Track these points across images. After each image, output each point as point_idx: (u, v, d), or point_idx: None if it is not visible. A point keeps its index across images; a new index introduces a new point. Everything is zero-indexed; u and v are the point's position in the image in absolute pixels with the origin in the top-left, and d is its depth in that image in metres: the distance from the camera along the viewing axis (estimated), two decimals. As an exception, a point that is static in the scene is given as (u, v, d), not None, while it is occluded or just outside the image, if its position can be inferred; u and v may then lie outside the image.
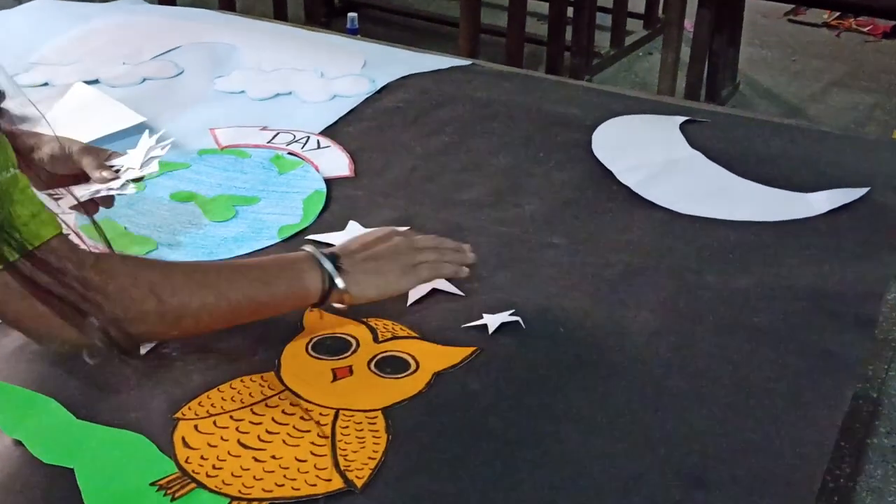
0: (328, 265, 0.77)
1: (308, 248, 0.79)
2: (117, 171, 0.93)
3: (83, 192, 0.91)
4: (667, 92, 2.63)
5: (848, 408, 0.71)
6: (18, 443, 0.68)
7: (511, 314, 0.82)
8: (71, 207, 0.89)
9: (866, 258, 0.89)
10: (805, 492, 0.63)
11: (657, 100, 1.32)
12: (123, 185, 0.92)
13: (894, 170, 1.06)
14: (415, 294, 0.85)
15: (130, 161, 0.94)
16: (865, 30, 3.31)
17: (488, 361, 0.78)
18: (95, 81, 1.29)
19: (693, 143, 1.12)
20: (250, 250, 0.93)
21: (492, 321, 0.81)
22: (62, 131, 1.12)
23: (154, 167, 0.93)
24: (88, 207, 0.90)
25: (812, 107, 2.95)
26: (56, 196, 0.91)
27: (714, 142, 1.13)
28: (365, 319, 0.82)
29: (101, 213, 0.97)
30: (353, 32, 2.12)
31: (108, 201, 0.92)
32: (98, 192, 0.91)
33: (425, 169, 1.09)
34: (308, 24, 2.99)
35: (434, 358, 0.78)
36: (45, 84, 1.28)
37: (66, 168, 0.93)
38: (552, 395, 0.74)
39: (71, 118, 1.16)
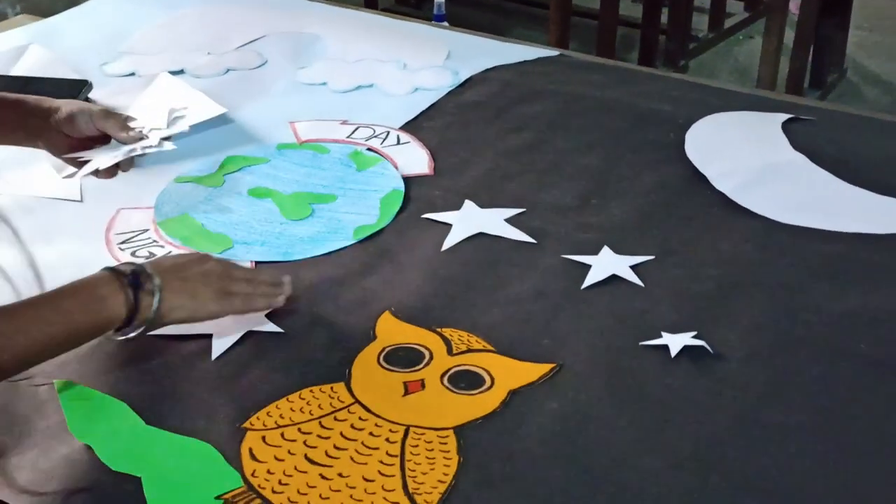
0: (130, 292, 0.70)
1: (111, 267, 0.73)
2: (140, 131, 0.94)
3: (115, 153, 0.92)
4: (768, 79, 2.51)
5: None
6: (88, 447, 0.67)
7: (694, 336, 0.77)
8: (92, 173, 0.91)
9: None
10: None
11: (758, 94, 1.25)
12: (159, 143, 0.94)
13: None
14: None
15: (154, 121, 0.94)
16: (984, 13, 3.11)
17: (567, 379, 0.74)
18: (181, 72, 1.29)
19: (796, 145, 1.05)
20: (326, 251, 0.91)
21: (673, 343, 0.77)
22: (146, 121, 1.13)
23: (183, 126, 0.93)
24: (111, 171, 0.92)
25: (926, 97, 2.78)
26: (81, 159, 0.93)
27: (820, 143, 1.06)
28: (439, 329, 0.80)
29: (180, 209, 0.97)
30: (440, 18, 2.08)
31: (128, 164, 0.93)
32: (133, 150, 0.92)
33: (507, 168, 1.05)
34: (399, 7, 2.97)
35: (510, 374, 0.74)
36: (132, 74, 1.29)
37: (88, 130, 0.93)
38: (633, 422, 0.70)
39: (156, 108, 1.16)
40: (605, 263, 0.88)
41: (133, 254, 0.90)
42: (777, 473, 0.65)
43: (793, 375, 0.74)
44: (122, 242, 0.92)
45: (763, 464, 0.66)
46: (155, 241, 0.92)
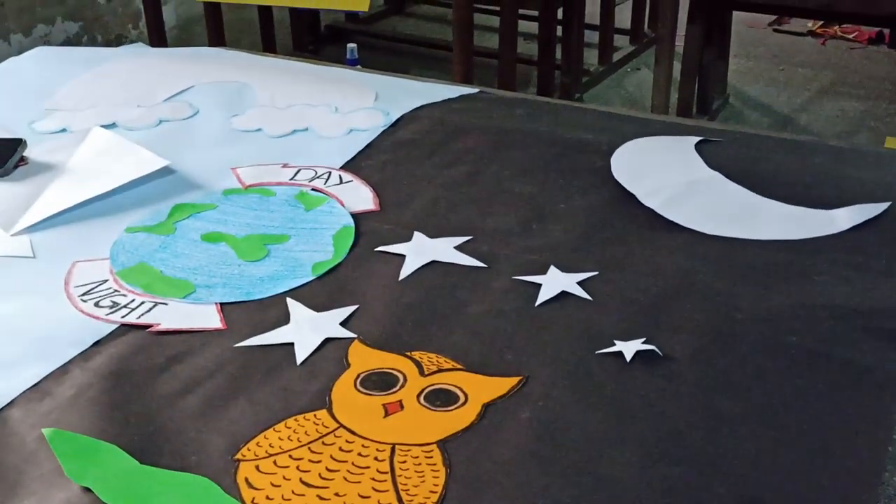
0: None
1: None
2: None
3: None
4: (661, 107, 2.67)
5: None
6: (87, 490, 0.69)
7: (644, 342, 0.83)
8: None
9: (895, 273, 0.91)
10: (863, 506, 0.65)
11: (666, 120, 1.35)
12: None
13: (908, 182, 1.09)
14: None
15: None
16: (851, 37, 3.37)
17: (535, 389, 0.80)
18: (113, 125, 1.30)
19: (709, 163, 1.15)
20: (287, 288, 0.94)
21: (627, 349, 0.83)
22: (85, 178, 1.15)
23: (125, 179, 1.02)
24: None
25: (802, 116, 2.99)
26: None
27: (731, 161, 1.16)
28: (408, 353, 0.84)
29: (136, 257, 0.99)
30: (353, 63, 2.15)
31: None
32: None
33: (449, 199, 1.11)
34: (296, 53, 3.02)
35: (482, 389, 0.79)
36: (63, 130, 1.29)
37: None
38: (601, 421, 0.76)
39: (93, 164, 1.18)
40: (554, 281, 0.94)
41: (97, 304, 0.91)
42: (733, 456, 0.72)
43: (735, 369, 0.81)
44: (84, 294, 0.93)
45: (720, 449, 0.73)
46: (116, 290, 0.94)
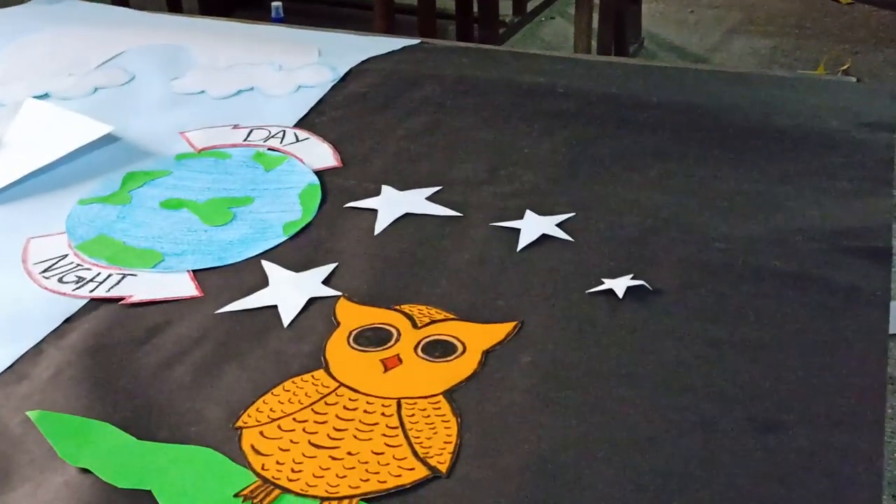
0: None
1: None
2: None
3: None
4: (583, 52, 2.68)
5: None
6: (86, 471, 0.65)
7: (632, 278, 0.83)
8: None
9: (865, 193, 0.93)
10: (874, 421, 0.67)
11: (613, 61, 1.34)
12: None
13: (859, 107, 1.12)
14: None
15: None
16: (759, -23, 3.43)
17: (532, 333, 0.79)
18: (46, 95, 1.23)
19: (660, 101, 1.15)
20: (261, 251, 0.91)
21: (617, 286, 0.82)
22: (26, 151, 1.08)
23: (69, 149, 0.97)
24: None
25: (716, 55, 3.05)
26: None
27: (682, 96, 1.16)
28: (398, 307, 0.82)
29: (94, 229, 0.94)
30: (278, 21, 2.08)
31: None
32: None
33: (412, 151, 1.08)
34: (206, 16, 2.92)
35: (478, 337, 0.78)
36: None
37: None
38: (601, 358, 0.76)
39: (32, 136, 1.11)
40: (532, 225, 0.93)
41: (60, 280, 0.87)
42: (742, 381, 0.73)
43: (726, 298, 0.82)
44: (45, 271, 0.88)
45: (727, 375, 0.73)
46: (79, 264, 0.89)
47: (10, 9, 1.53)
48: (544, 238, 0.91)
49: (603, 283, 0.84)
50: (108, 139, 1.10)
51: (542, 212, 0.95)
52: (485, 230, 0.93)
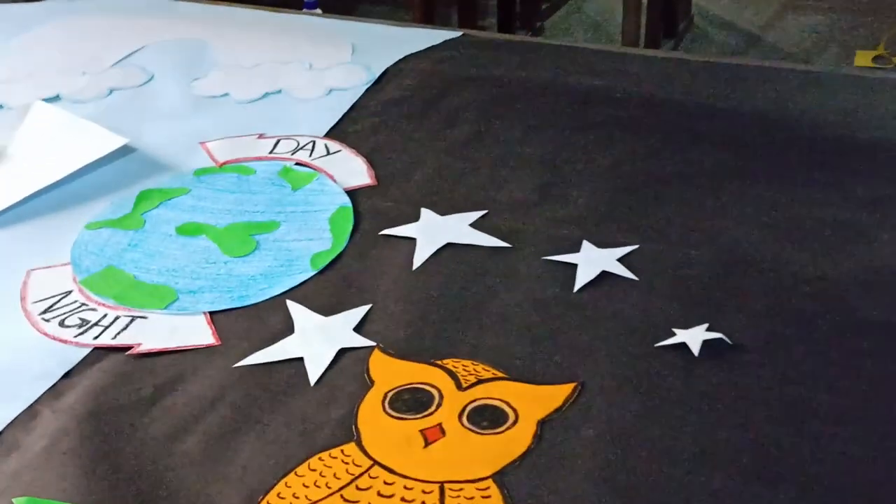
0: None
1: None
2: None
3: None
4: (632, 33, 2.54)
5: None
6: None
7: (708, 328, 0.72)
8: None
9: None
10: None
11: (676, 57, 1.22)
12: None
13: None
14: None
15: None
16: (816, -50, 3.25)
17: (593, 398, 0.68)
18: (56, 98, 1.14)
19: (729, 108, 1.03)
20: (284, 289, 0.81)
21: (691, 339, 0.71)
22: (32, 165, 1.00)
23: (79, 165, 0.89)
24: None
25: (770, 33, 2.88)
26: None
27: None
28: (439, 362, 0.72)
29: (102, 260, 0.85)
30: (311, 6, 1.98)
31: None
32: None
33: (454, 167, 0.97)
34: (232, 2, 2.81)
35: (532, 401, 0.68)
36: (0, 107, 1.13)
37: None
38: (678, 434, 0.65)
39: (40, 147, 1.02)
40: (591, 260, 0.82)
41: (62, 324, 0.78)
42: (841, 470, 0.62)
43: (817, 355, 0.71)
44: (45, 312, 0.79)
45: (825, 460, 0.62)
46: (84, 304, 0.80)
47: (22, 3, 1.43)
48: (604, 276, 0.80)
49: (674, 334, 0.73)
50: (122, 150, 1.01)
51: (600, 242, 0.84)
52: (536, 265, 0.82)
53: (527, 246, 0.85)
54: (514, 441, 0.65)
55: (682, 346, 0.72)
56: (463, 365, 0.72)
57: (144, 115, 1.10)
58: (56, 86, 1.16)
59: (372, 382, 0.70)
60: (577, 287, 0.79)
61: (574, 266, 0.81)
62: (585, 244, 0.84)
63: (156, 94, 1.15)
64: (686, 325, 0.74)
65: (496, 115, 1.06)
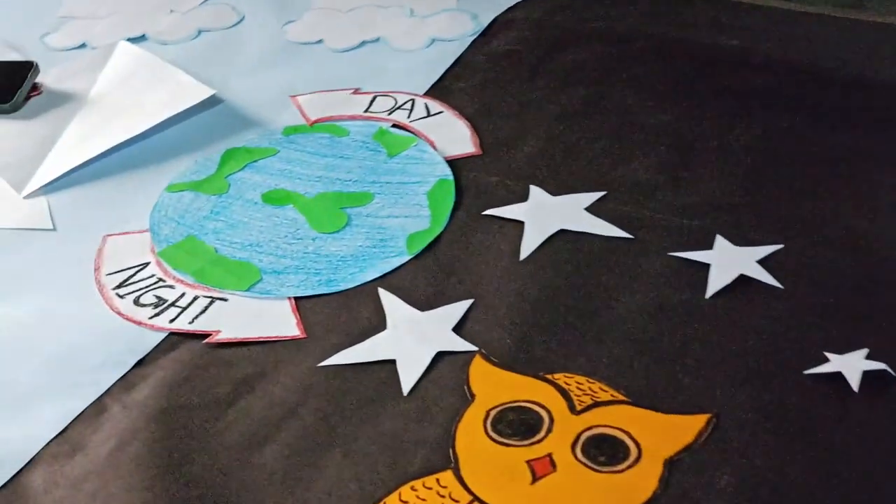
0: None
1: None
2: None
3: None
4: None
5: None
6: None
7: (868, 355, 0.61)
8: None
9: None
10: None
11: (824, 13, 1.07)
12: None
13: None
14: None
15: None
16: None
17: (731, 434, 0.59)
18: (142, 38, 1.06)
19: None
20: (378, 274, 0.73)
21: (848, 369, 0.61)
22: (113, 114, 0.93)
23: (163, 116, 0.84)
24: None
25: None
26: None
27: None
28: (550, 376, 0.63)
29: (182, 229, 0.78)
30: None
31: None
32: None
33: (568, 138, 0.87)
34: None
35: (658, 434, 0.59)
36: (83, 46, 1.06)
37: None
38: (833, 489, 0.55)
39: (122, 94, 0.95)
40: (727, 260, 0.71)
41: (136, 301, 0.71)
42: None
43: None
44: (120, 286, 0.73)
45: None
46: (161, 279, 0.73)
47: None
48: (742, 280, 0.70)
49: (827, 359, 0.62)
50: (207, 101, 0.93)
51: (737, 238, 0.73)
52: (661, 262, 0.72)
53: (651, 238, 0.74)
54: (637, 483, 0.56)
55: (838, 376, 0.61)
56: (577, 382, 0.63)
57: (232, 61, 1.02)
58: (142, 24, 1.09)
59: (472, 396, 0.62)
60: (709, 292, 0.69)
61: (706, 266, 0.71)
62: (719, 240, 0.73)
63: (245, 37, 1.07)
64: (840, 349, 0.63)
65: (615, 77, 0.94)
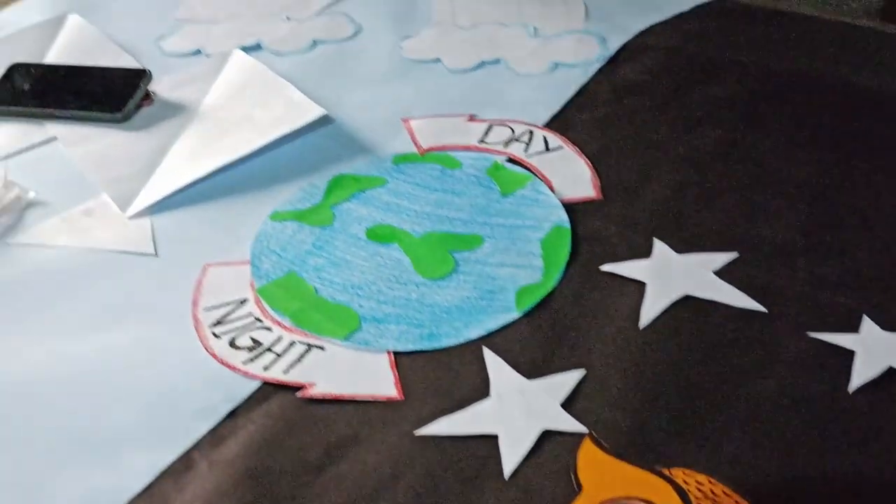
0: None
1: None
2: None
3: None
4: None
5: None
6: None
7: None
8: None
9: None
10: None
11: None
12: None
13: None
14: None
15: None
16: None
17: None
18: (256, 47, 1.04)
19: None
20: (484, 332, 0.68)
21: None
22: (223, 130, 0.91)
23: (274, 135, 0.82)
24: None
25: None
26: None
27: None
28: (665, 471, 0.57)
29: (284, 264, 0.75)
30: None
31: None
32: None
33: (698, 185, 0.80)
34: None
35: (787, 556, 0.53)
36: (198, 52, 1.04)
37: None
38: None
39: (233, 108, 0.93)
40: (875, 348, 0.64)
41: (233, 343, 0.68)
42: None
43: None
44: (216, 324, 0.70)
45: None
46: (258, 319, 0.70)
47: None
48: (890, 373, 0.62)
49: None
50: (317, 120, 0.90)
51: (888, 322, 0.66)
52: (800, 342, 0.65)
53: (788, 313, 0.67)
54: None
55: None
56: (697, 481, 0.57)
57: (346, 77, 0.99)
58: (257, 32, 1.06)
59: (579, 487, 0.57)
60: (853, 385, 0.62)
61: (850, 354, 0.64)
62: (866, 322, 0.66)
63: (361, 52, 1.03)
64: None
65: (755, 118, 0.87)
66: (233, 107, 0.93)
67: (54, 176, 0.87)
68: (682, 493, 0.56)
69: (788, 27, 1.00)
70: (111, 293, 0.74)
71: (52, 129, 0.92)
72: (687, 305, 0.68)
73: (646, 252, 0.74)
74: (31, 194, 0.84)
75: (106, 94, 0.93)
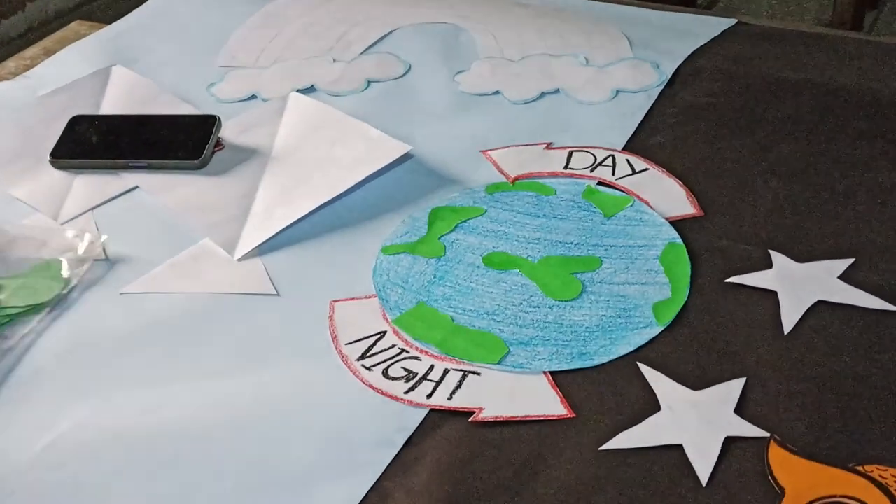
0: None
1: None
2: None
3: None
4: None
5: None
6: None
7: None
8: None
9: None
10: None
11: None
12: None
13: None
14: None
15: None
16: None
17: None
18: (311, 89, 1.04)
19: None
20: (632, 348, 0.69)
21: None
22: (313, 169, 0.90)
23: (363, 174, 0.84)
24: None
25: None
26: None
27: None
28: (860, 468, 0.59)
29: (410, 296, 0.75)
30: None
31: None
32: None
33: (793, 197, 0.83)
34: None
35: None
36: (253, 97, 1.04)
37: None
38: None
39: (313, 147, 0.92)
40: None
41: (385, 373, 0.68)
42: None
43: None
44: (363, 357, 0.69)
45: None
46: (403, 349, 0.70)
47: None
48: None
49: None
50: (400, 157, 0.90)
51: None
52: (938, 336, 0.68)
53: (917, 309, 0.71)
54: None
55: None
56: (893, 475, 0.58)
57: (409, 113, 0.99)
58: (308, 74, 1.06)
59: (781, 490, 0.58)
60: None
61: None
62: None
63: (418, 88, 1.04)
64: None
65: (826, 132, 0.90)
66: (309, 148, 0.92)
67: (142, 225, 0.85)
68: (883, 489, 0.57)
69: (812, 45, 1.05)
70: (248, 334, 0.72)
71: (130, 178, 0.90)
72: (822, 310, 0.71)
73: (761, 262, 0.76)
74: (104, 237, 0.81)
75: (180, 141, 0.91)
